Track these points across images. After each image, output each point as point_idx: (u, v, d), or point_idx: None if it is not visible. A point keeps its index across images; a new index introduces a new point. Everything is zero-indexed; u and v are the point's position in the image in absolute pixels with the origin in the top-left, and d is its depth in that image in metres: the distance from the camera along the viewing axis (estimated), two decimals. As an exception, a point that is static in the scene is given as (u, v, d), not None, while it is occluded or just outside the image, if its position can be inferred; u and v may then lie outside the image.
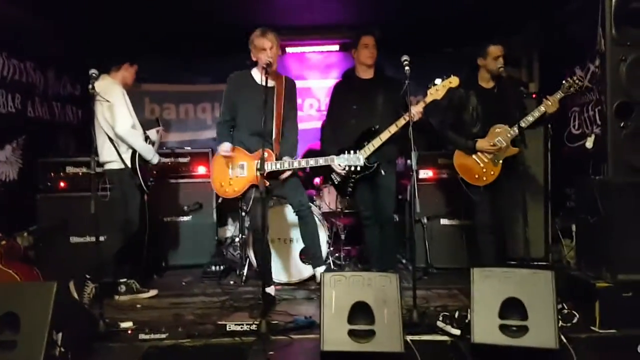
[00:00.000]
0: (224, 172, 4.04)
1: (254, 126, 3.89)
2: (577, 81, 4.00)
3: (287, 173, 4.00)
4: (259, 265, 4.23)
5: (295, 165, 3.90)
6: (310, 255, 4.38)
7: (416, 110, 4.00)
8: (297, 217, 4.23)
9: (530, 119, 4.01)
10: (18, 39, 4.99)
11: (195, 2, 5.00)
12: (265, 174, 3.63)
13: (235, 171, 4.00)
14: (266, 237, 4.00)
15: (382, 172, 4.27)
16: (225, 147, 4.00)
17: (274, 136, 3.98)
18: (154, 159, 4.45)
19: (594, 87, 4.56)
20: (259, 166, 3.58)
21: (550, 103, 3.99)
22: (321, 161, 3.89)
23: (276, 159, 3.93)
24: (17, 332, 2.82)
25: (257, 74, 4.07)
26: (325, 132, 4.68)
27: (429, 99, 4.04)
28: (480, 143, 4.15)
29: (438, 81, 4.04)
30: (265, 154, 3.73)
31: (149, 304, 4.32)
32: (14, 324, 2.85)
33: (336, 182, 4.39)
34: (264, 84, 3.74)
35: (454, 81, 4.02)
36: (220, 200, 5.44)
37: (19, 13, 4.96)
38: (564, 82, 4.03)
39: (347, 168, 3.83)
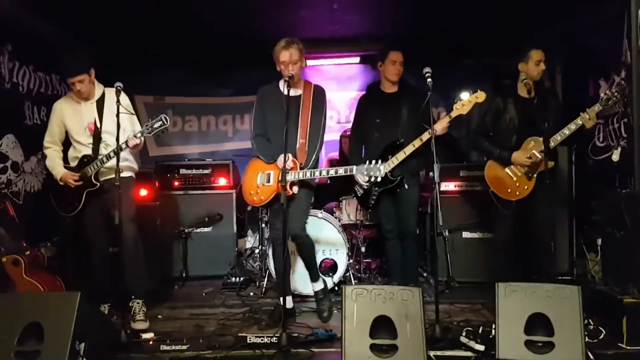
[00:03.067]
0: (252, 181, 4.04)
1: (279, 136, 3.83)
2: (615, 94, 3.84)
3: (295, 188, 3.89)
4: (277, 275, 4.19)
5: (317, 174, 3.85)
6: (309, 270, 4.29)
7: (441, 127, 3.98)
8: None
9: (566, 132, 3.86)
10: (44, 53, 5.08)
11: (217, 15, 5.05)
12: (288, 185, 3.71)
13: (262, 180, 4.00)
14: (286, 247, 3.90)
15: (406, 186, 4.23)
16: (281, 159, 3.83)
17: (298, 145, 3.94)
18: (57, 171, 4.04)
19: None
20: (280, 177, 3.64)
21: (588, 117, 3.80)
22: (341, 171, 3.84)
23: (300, 169, 3.89)
24: (41, 342, 2.85)
25: (283, 85, 4.09)
26: (352, 144, 4.64)
27: (454, 114, 3.97)
28: (516, 155, 4.00)
29: (465, 96, 3.96)
30: (291, 164, 3.78)
31: (170, 315, 4.34)
32: (38, 334, 2.87)
33: (359, 194, 4.36)
34: (285, 92, 3.83)
35: (480, 96, 3.91)
36: (249, 209, 5.40)
37: (45, 27, 5.06)
38: (602, 94, 3.87)
39: (368, 179, 3.78)
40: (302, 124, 3.96)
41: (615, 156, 4.44)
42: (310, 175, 3.84)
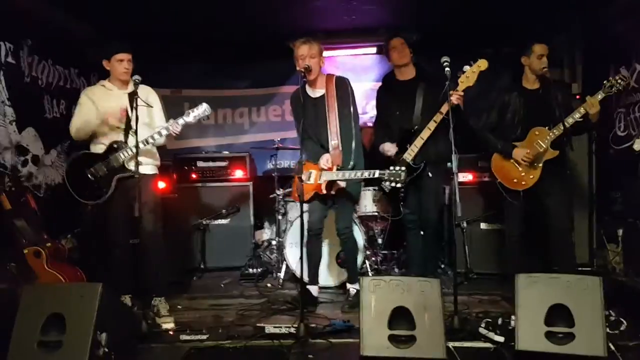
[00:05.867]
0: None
1: (314, 137, 4.02)
2: (619, 80, 3.81)
3: (340, 184, 4.00)
4: (308, 264, 4.25)
5: (346, 176, 3.87)
6: (347, 270, 4.45)
7: (454, 97, 3.90)
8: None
9: (570, 120, 3.84)
10: (63, 46, 5.13)
11: (233, 7, 5.05)
12: (324, 185, 3.93)
13: (305, 178, 4.06)
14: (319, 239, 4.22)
15: (429, 174, 4.20)
16: (321, 160, 3.98)
17: (331, 145, 3.99)
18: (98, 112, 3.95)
19: (640, 87, 4.42)
20: (319, 176, 3.94)
21: (591, 104, 3.81)
22: (366, 174, 3.83)
23: (338, 168, 3.93)
24: (63, 333, 2.89)
25: (308, 86, 4.11)
26: (378, 133, 4.58)
27: (461, 87, 3.93)
28: (517, 152, 4.01)
29: (466, 68, 3.93)
30: (328, 164, 3.93)
31: (189, 305, 4.38)
32: (60, 325, 2.91)
33: (387, 190, 4.30)
34: (310, 94, 3.98)
35: (482, 64, 3.89)
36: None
37: (63, 20, 5.10)
38: (605, 81, 3.85)
39: (390, 184, 3.73)
40: (331, 124, 4.00)
41: (637, 145, 4.37)
42: (336, 177, 3.90)
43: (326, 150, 4.02)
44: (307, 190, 4.04)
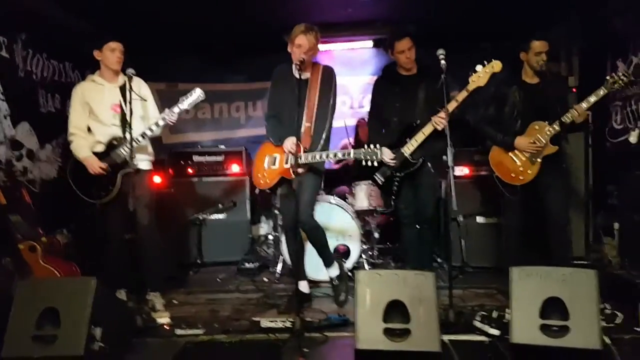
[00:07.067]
0: (261, 164, 4.05)
1: (288, 119, 3.88)
2: (622, 77, 3.74)
3: (302, 169, 3.80)
4: (292, 261, 4.18)
5: (317, 158, 3.76)
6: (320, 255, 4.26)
7: (462, 97, 3.89)
8: None
9: (569, 115, 3.80)
10: (57, 40, 5.11)
11: (230, 1, 5.03)
12: (291, 168, 3.75)
13: (269, 163, 3.99)
14: (299, 232, 3.95)
15: (431, 169, 4.15)
16: (287, 143, 3.84)
17: (303, 129, 3.87)
18: (82, 153, 3.96)
19: (638, 80, 4.40)
20: (286, 159, 3.69)
21: (577, 114, 3.77)
22: (339, 154, 3.79)
23: (306, 150, 3.83)
24: (57, 327, 2.88)
25: (295, 68, 4.04)
26: (371, 127, 4.53)
27: (471, 86, 3.88)
28: (520, 141, 3.97)
29: (479, 67, 3.87)
30: (294, 147, 3.76)
31: (185, 300, 4.38)
32: (54, 319, 2.91)
33: (380, 183, 4.26)
34: (295, 75, 3.82)
35: (496, 66, 3.82)
36: (257, 191, 5.27)
37: (59, 13, 5.07)
38: (607, 77, 3.77)
39: (366, 163, 3.65)
40: (308, 108, 3.91)
41: (633, 138, 4.36)
42: (311, 159, 3.78)
43: (292, 131, 3.82)
44: (272, 176, 3.96)
